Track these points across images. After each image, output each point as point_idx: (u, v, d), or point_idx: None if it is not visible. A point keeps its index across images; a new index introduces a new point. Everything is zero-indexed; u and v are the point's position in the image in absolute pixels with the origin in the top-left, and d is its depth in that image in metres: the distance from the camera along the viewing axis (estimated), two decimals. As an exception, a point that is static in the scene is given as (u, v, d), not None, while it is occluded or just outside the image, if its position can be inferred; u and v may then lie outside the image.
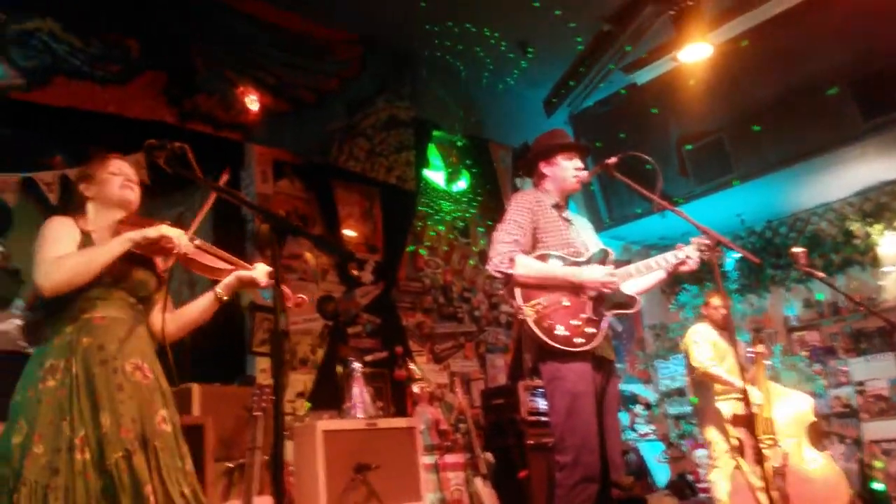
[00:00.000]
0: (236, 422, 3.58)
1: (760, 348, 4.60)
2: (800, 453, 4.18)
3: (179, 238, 2.25)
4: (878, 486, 5.44)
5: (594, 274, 2.87)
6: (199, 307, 2.45)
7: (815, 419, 4.34)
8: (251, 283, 2.47)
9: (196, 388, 3.63)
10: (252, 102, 5.18)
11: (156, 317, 2.37)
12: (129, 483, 1.98)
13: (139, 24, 4.78)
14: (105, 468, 1.98)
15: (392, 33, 6.08)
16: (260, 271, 2.46)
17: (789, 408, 4.35)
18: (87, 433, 2.01)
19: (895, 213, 6.84)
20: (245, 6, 5.35)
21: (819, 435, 4.48)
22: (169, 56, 4.90)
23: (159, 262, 2.40)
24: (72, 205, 2.38)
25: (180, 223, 4.56)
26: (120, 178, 2.37)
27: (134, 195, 2.39)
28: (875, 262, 6.92)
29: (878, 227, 6.90)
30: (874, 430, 6.13)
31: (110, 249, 2.15)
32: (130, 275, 2.25)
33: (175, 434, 2.19)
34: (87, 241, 2.24)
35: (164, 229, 2.22)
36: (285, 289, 2.42)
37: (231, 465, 3.51)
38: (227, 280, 2.44)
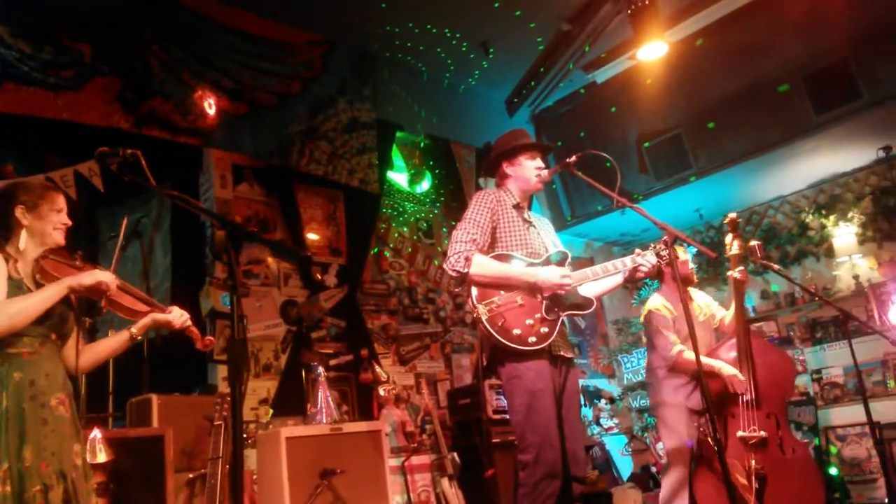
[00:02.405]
0: (197, 431, 3.55)
1: (737, 272, 3.60)
2: (777, 438, 3.46)
3: (111, 281, 2.37)
4: (832, 471, 5.61)
5: (550, 275, 2.90)
6: (114, 343, 2.57)
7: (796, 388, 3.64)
8: (166, 325, 2.61)
9: (155, 399, 3.59)
10: (210, 106, 5.11)
11: (69, 351, 2.43)
12: None
13: (91, 28, 4.69)
14: (23, 501, 2.04)
15: (352, 35, 6.06)
16: (175, 315, 2.61)
17: (767, 371, 3.54)
18: (11, 466, 2.07)
19: (849, 205, 7.03)
20: (203, 7, 5.27)
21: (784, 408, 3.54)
22: (123, 60, 4.81)
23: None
24: (2, 227, 2.37)
25: (137, 231, 4.51)
26: (60, 216, 2.42)
27: (63, 239, 2.45)
28: (829, 253, 7.11)
29: (832, 218, 7.09)
30: (829, 416, 6.31)
31: (48, 297, 2.23)
32: (54, 312, 2.29)
33: (84, 468, 2.28)
34: (14, 288, 2.26)
35: (99, 275, 2.34)
36: (194, 330, 2.66)
37: (192, 475, 3.48)
38: (144, 321, 2.56)
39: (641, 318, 4.14)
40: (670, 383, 3.89)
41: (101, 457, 2.95)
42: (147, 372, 4.02)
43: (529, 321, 2.87)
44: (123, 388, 3.95)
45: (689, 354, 3.73)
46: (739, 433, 3.52)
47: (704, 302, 4.16)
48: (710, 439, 3.52)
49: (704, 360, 3.63)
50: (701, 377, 2.76)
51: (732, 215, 3.70)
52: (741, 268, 3.67)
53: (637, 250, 3.14)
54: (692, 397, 3.84)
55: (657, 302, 4.00)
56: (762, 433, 3.47)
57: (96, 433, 2.96)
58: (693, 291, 4.17)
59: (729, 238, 3.68)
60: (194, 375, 4.65)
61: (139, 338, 2.59)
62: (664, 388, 3.91)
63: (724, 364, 3.65)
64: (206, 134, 5.15)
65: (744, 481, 3.40)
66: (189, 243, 5.13)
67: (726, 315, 4.05)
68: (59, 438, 2.18)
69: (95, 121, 4.64)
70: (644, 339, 4.35)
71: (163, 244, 5.21)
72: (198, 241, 5.11)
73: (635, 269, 3.09)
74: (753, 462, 3.42)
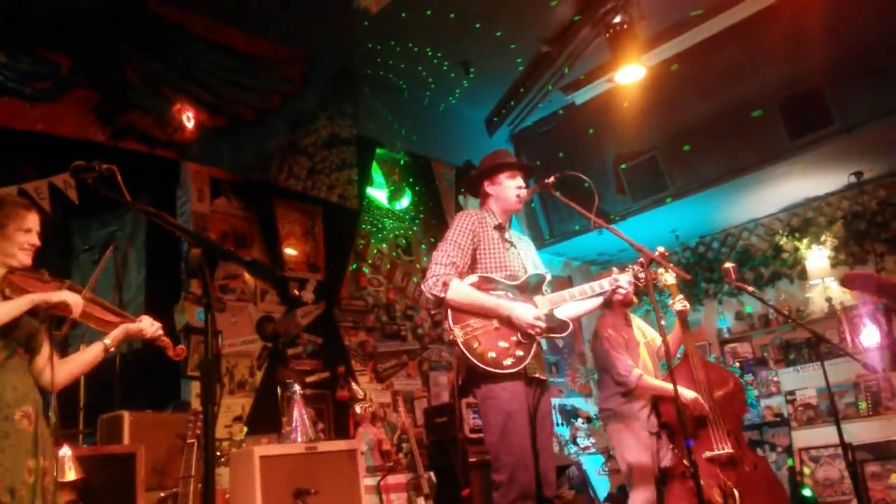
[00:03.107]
0: (170, 449, 3.49)
1: (680, 304, 3.77)
2: (740, 455, 3.55)
3: (76, 304, 2.37)
4: (806, 492, 5.66)
5: (523, 315, 2.90)
6: (89, 356, 2.56)
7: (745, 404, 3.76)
8: (138, 335, 2.62)
9: (126, 416, 3.52)
10: (188, 120, 5.08)
11: (41, 365, 2.43)
12: None
13: (70, 40, 4.64)
14: None
15: (335, 51, 6.08)
16: (146, 323, 2.63)
17: (722, 392, 3.65)
18: None
19: (821, 229, 7.17)
20: (185, 21, 5.25)
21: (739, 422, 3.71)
22: (101, 73, 4.77)
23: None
24: None
25: (111, 243, 4.46)
26: (28, 236, 2.41)
27: (30, 260, 2.44)
28: (803, 276, 7.23)
29: (805, 241, 7.22)
30: (803, 437, 6.38)
31: (13, 308, 2.23)
32: (21, 326, 2.29)
33: (36, 486, 2.22)
34: None
35: (66, 295, 2.35)
36: (166, 339, 2.67)
37: (164, 494, 3.41)
38: (115, 332, 2.57)
39: (591, 343, 4.18)
40: (636, 404, 3.93)
41: (71, 475, 2.89)
42: (119, 388, 3.94)
43: (504, 344, 2.88)
44: (95, 403, 3.87)
45: (648, 379, 3.84)
46: (707, 454, 3.56)
47: (643, 327, 4.27)
48: (684, 461, 3.53)
49: (664, 384, 3.76)
50: (678, 402, 2.79)
51: (661, 249, 3.67)
52: (681, 296, 3.81)
53: (614, 269, 3.16)
54: (649, 421, 3.88)
55: (609, 329, 4.01)
56: (730, 450, 3.52)
57: (66, 450, 2.90)
58: (632, 316, 4.25)
59: (662, 271, 3.70)
60: (167, 391, 4.57)
61: (113, 349, 2.58)
62: (631, 406, 3.92)
63: (682, 389, 3.63)
64: (184, 147, 5.11)
65: (720, 500, 3.42)
66: (164, 257, 5.06)
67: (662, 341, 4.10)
68: (15, 453, 2.15)
69: (72, 133, 4.59)
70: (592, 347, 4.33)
71: (137, 258, 5.13)
72: (173, 256, 5.05)
73: (613, 291, 3.11)
74: (727, 481, 3.45)
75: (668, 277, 3.74)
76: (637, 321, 4.27)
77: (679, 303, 3.81)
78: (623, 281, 3.09)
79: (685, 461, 3.49)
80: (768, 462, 3.75)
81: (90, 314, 2.50)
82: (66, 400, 3.90)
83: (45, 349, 2.43)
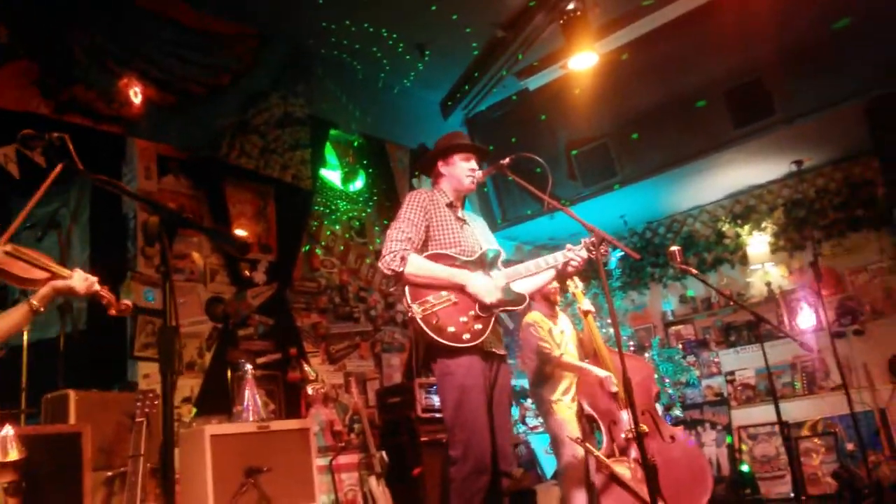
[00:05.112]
0: (117, 429, 3.43)
1: (586, 304, 4.19)
2: (656, 430, 3.88)
3: None
4: (744, 467, 5.91)
5: (479, 285, 2.94)
6: (15, 317, 2.36)
7: (658, 388, 4.19)
8: (68, 292, 2.41)
9: (72, 395, 3.44)
10: (135, 95, 4.94)
11: None
12: None
13: (9, 9, 4.46)
14: None
15: (288, 30, 5.98)
16: (77, 279, 2.40)
17: (632, 375, 4.12)
18: None
19: (762, 216, 7.43)
20: (132, -5, 5.10)
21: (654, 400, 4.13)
22: (43, 45, 4.60)
23: None
24: None
25: (55, 221, 4.32)
26: None
27: None
28: (744, 261, 7.49)
29: (746, 228, 7.47)
30: (742, 416, 6.65)
31: None
32: None
33: None
34: None
35: None
36: (106, 295, 2.47)
37: (111, 473, 3.36)
38: (43, 291, 2.37)
39: (521, 332, 4.44)
40: (558, 387, 4.22)
41: (13, 454, 2.80)
42: (62, 368, 3.84)
43: (463, 318, 2.91)
44: (37, 384, 3.76)
45: (566, 358, 4.21)
46: (623, 435, 3.80)
47: (568, 322, 4.57)
48: (629, 433, 3.71)
49: (581, 364, 4.18)
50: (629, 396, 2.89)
51: (588, 305, 4.21)
52: (586, 300, 4.23)
53: (568, 245, 3.20)
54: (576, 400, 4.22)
55: (536, 315, 4.36)
56: (644, 427, 3.71)
57: (8, 430, 2.82)
58: (559, 311, 4.53)
59: (570, 282, 4.14)
60: (113, 372, 4.46)
61: (42, 310, 2.37)
62: (551, 390, 4.21)
63: (595, 367, 4.07)
64: (131, 123, 4.97)
65: (631, 475, 3.65)
66: (109, 236, 4.92)
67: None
68: None
69: (11, 105, 4.41)
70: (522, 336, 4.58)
71: (81, 237, 4.96)
72: (118, 234, 4.91)
73: (566, 264, 3.16)
74: (638, 455, 3.65)
75: (574, 285, 4.17)
76: (562, 317, 4.54)
77: (586, 305, 4.16)
78: (577, 253, 3.14)
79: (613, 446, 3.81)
80: (687, 435, 4.04)
81: (5, 271, 2.27)
82: (7, 379, 3.80)
83: None
